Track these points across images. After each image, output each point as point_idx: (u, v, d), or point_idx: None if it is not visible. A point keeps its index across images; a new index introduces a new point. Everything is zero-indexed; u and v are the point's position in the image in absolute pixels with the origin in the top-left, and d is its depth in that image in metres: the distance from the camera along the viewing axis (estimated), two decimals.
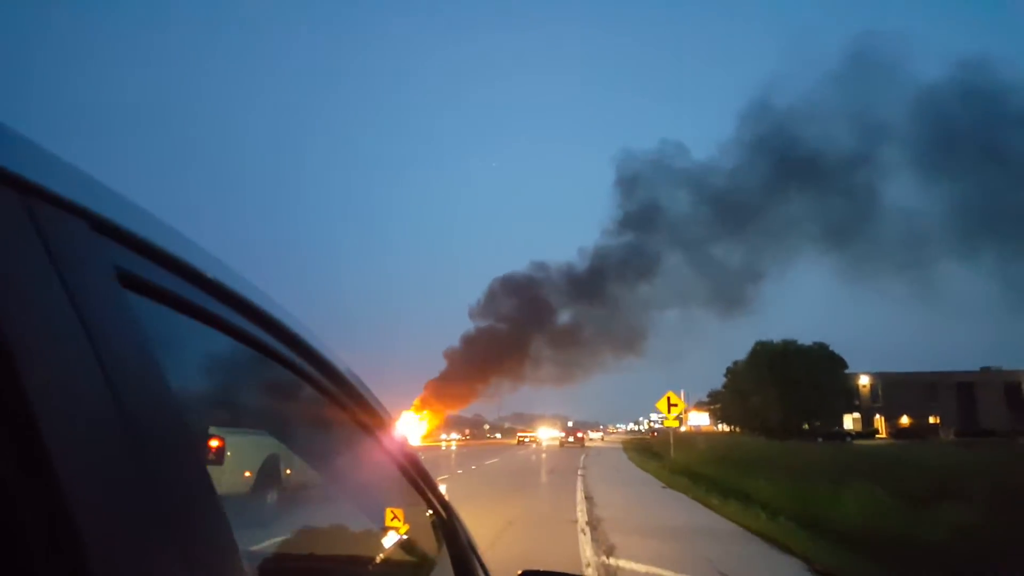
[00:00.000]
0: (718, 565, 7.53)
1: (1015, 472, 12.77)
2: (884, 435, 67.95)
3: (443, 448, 56.78)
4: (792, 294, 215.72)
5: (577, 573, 6.90)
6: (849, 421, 71.02)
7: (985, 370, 73.11)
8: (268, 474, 3.35)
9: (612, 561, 7.61)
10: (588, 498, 14.52)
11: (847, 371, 64.96)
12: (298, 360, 0.98)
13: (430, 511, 1.63)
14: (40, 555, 0.42)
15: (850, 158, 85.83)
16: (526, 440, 76.49)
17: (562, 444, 62.69)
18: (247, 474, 3.05)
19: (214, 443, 1.68)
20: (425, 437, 67.40)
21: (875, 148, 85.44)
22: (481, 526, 8.62)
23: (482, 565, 1.73)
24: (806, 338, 65.57)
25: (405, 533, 1.55)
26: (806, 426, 62.25)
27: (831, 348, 63.08)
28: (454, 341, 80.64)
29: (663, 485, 18.56)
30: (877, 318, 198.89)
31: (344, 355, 1.18)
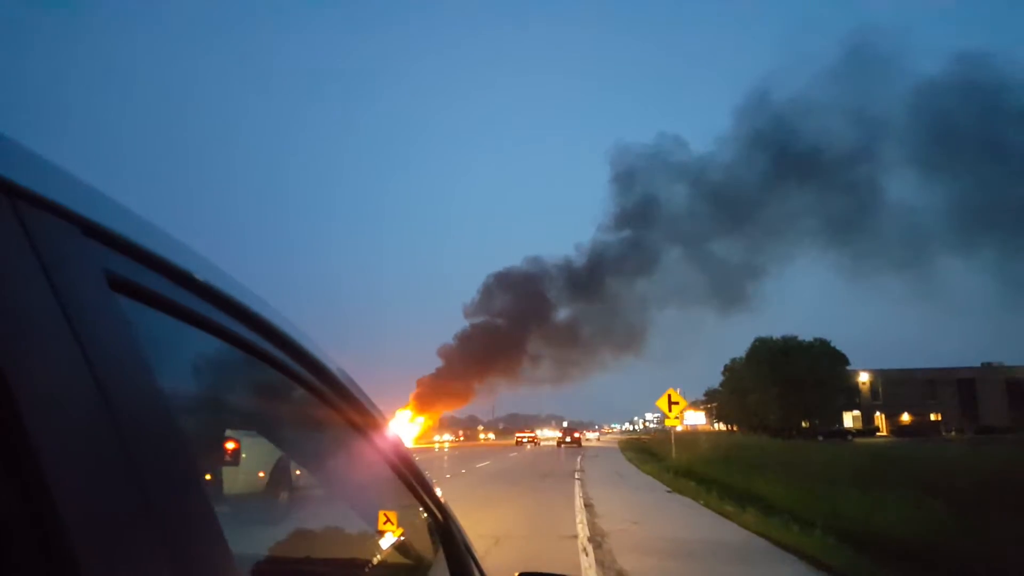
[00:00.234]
0: None
1: None
2: (885, 433, 66.87)
3: (436, 450, 55.46)
4: (789, 292, 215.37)
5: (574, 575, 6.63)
6: (849, 419, 69.85)
7: (986, 366, 72.02)
8: (281, 475, 3.39)
9: None
10: (588, 506, 13.01)
11: (848, 368, 63.69)
12: (290, 362, 0.98)
13: (426, 513, 1.61)
14: (29, 557, 0.43)
15: (849, 153, 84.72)
16: (524, 441, 75.57)
17: (559, 444, 62.26)
18: (260, 474, 2.93)
19: (230, 445, 1.75)
20: (418, 439, 66.20)
21: (874, 143, 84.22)
22: None
23: (479, 568, 1.72)
24: (803, 336, 63.91)
25: (400, 536, 1.56)
26: (805, 424, 60.95)
27: (832, 345, 61.74)
28: (448, 340, 79.40)
29: (668, 489, 17.07)
30: (876, 315, 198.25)
31: (336, 355, 1.17)
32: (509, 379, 79.94)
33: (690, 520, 11.68)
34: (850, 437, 58.00)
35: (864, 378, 69.69)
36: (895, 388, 70.71)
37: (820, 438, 53.47)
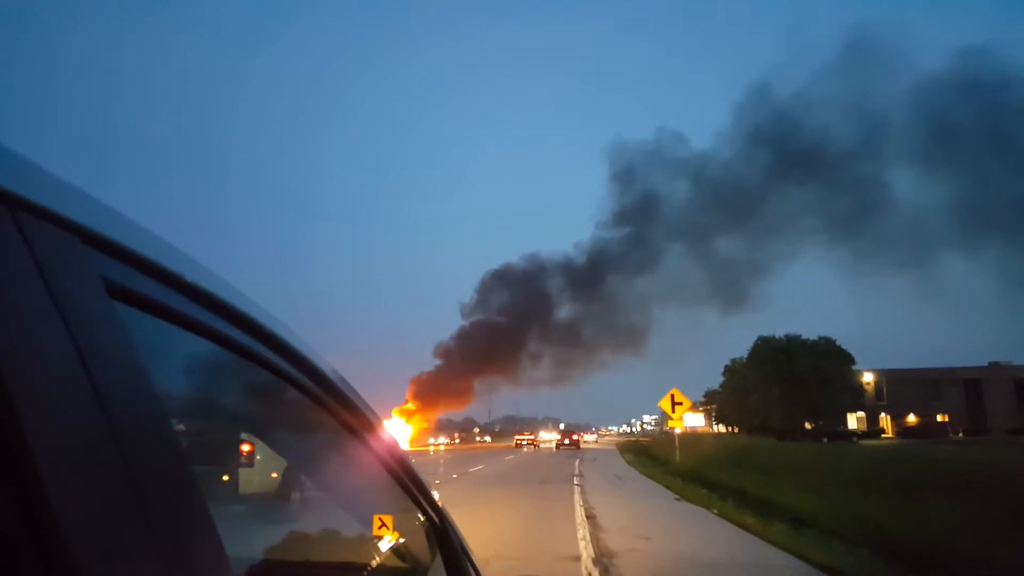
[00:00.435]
0: None
1: None
2: (890, 434, 65.38)
3: (430, 453, 53.99)
4: (790, 292, 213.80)
5: None
6: (852, 420, 68.28)
7: (993, 365, 70.41)
8: (293, 476, 3.26)
9: None
10: (590, 517, 11.45)
11: (853, 368, 62.03)
12: (288, 367, 0.98)
13: (423, 517, 1.60)
14: (27, 560, 0.43)
15: (850, 149, 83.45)
16: (524, 443, 74.62)
17: (558, 446, 61.92)
18: (273, 475, 2.85)
19: (245, 447, 1.97)
20: (412, 441, 64.71)
21: (877, 139, 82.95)
22: None
23: (477, 573, 1.73)
24: (805, 336, 62.23)
25: (396, 540, 1.55)
26: (809, 425, 59.35)
27: (837, 343, 60.05)
28: (445, 340, 78.00)
29: (676, 497, 15.50)
30: (880, 314, 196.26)
31: (332, 358, 1.17)
32: (506, 378, 78.81)
33: (709, 535, 10.12)
34: (855, 439, 56.47)
35: (868, 378, 68.07)
36: (900, 388, 69.11)
37: (824, 440, 51.91)
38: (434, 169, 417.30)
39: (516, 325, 74.57)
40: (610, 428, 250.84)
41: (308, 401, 1.07)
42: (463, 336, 74.18)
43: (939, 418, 67.09)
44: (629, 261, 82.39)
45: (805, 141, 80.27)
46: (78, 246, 0.58)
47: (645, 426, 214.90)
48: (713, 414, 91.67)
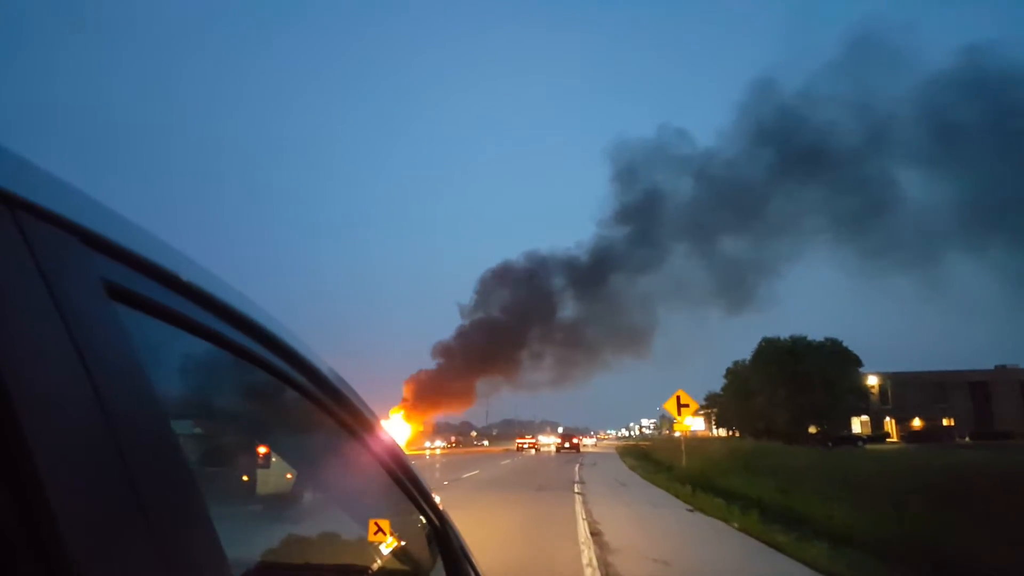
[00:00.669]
0: None
1: None
2: (895, 439, 63.96)
3: (426, 457, 52.56)
4: (791, 294, 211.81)
5: None
6: (856, 424, 66.79)
7: (1000, 368, 69.00)
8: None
9: None
10: (595, 534, 10.01)
11: (860, 370, 60.42)
12: (288, 369, 0.99)
13: (423, 519, 1.58)
14: (27, 561, 0.44)
15: (855, 148, 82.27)
16: (525, 446, 73.99)
17: (558, 449, 61.69)
18: (288, 476, 2.72)
19: (262, 449, 1.96)
20: (408, 444, 63.23)
21: (882, 137, 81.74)
22: None
23: (478, 575, 1.71)
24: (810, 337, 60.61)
25: (393, 545, 1.53)
26: (813, 429, 57.80)
27: (844, 344, 58.36)
28: (443, 340, 76.68)
29: (688, 507, 14.04)
30: (884, 316, 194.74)
31: (329, 358, 1.16)
32: (505, 378, 77.73)
33: (737, 557, 8.67)
34: (860, 443, 55.06)
35: (872, 381, 66.56)
36: (905, 391, 67.61)
37: (829, 444, 50.45)
38: (434, 169, 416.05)
39: (515, 323, 73.47)
40: (608, 432, 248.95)
41: (309, 403, 1.07)
42: (462, 335, 73.11)
43: (944, 422, 65.69)
44: (630, 260, 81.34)
45: (808, 139, 79.19)
46: (78, 247, 0.59)
47: (644, 430, 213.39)
48: (714, 417, 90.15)
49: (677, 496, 16.48)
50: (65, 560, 0.44)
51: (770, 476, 17.63)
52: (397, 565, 1.59)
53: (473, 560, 1.71)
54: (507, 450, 74.15)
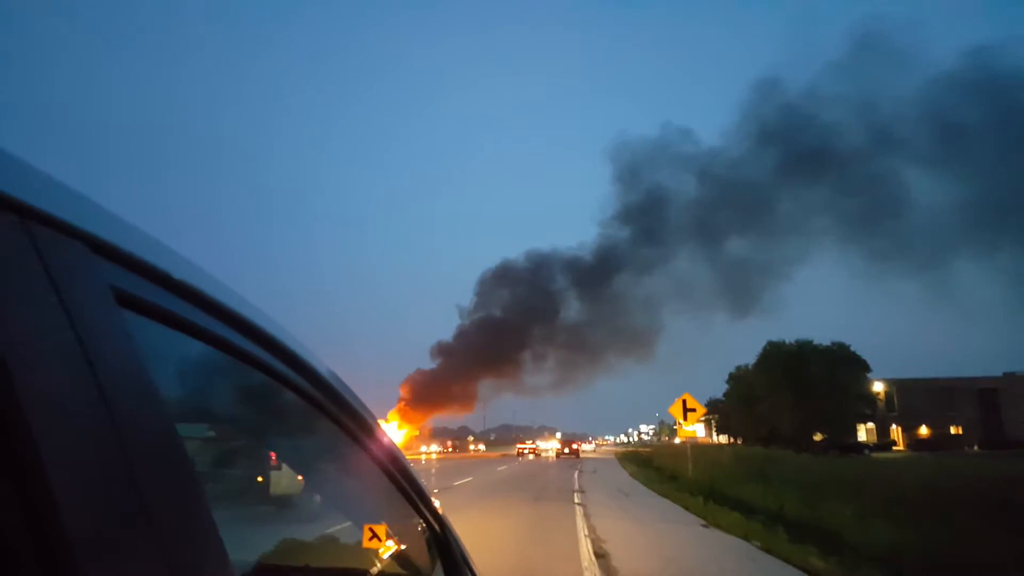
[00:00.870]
0: None
1: None
2: (901, 447, 62.47)
3: (422, 462, 51.09)
4: (795, 299, 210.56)
5: None
6: (862, 431, 65.18)
7: (1008, 375, 67.43)
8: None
9: None
10: (600, 555, 8.54)
11: (868, 375, 58.77)
12: (295, 376, 1.00)
13: (423, 524, 1.58)
14: (30, 561, 0.45)
15: (861, 149, 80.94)
16: (526, 452, 72.89)
17: (558, 455, 61.55)
18: (299, 478, 2.64)
19: (273, 454, 1.93)
20: (403, 448, 61.75)
21: (888, 139, 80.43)
22: None
23: None
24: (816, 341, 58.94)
25: (389, 551, 1.53)
26: (818, 436, 56.19)
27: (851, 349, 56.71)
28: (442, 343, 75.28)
29: (703, 523, 12.53)
30: (889, 321, 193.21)
31: (329, 360, 1.18)
32: (504, 379, 76.45)
33: None
34: (867, 451, 53.57)
35: (878, 388, 64.94)
36: (911, 398, 66.12)
37: (834, 452, 48.91)
38: (433, 168, 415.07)
39: (516, 324, 72.25)
40: (607, 438, 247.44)
41: (315, 409, 1.08)
42: (462, 335, 71.84)
43: (952, 430, 64.19)
44: (631, 262, 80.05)
45: (813, 138, 77.94)
46: (87, 254, 0.60)
47: (642, 436, 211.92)
48: (714, 424, 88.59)
49: (687, 508, 14.99)
50: (69, 560, 0.45)
51: (787, 486, 16.18)
52: (397, 569, 1.57)
53: (474, 567, 1.70)
54: (504, 455, 72.80)
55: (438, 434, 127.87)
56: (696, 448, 31.32)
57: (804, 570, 7.81)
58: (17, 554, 0.44)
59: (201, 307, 0.77)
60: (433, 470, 34.54)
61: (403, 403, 64.92)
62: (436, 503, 1.58)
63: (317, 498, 2.22)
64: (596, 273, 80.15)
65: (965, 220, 75.65)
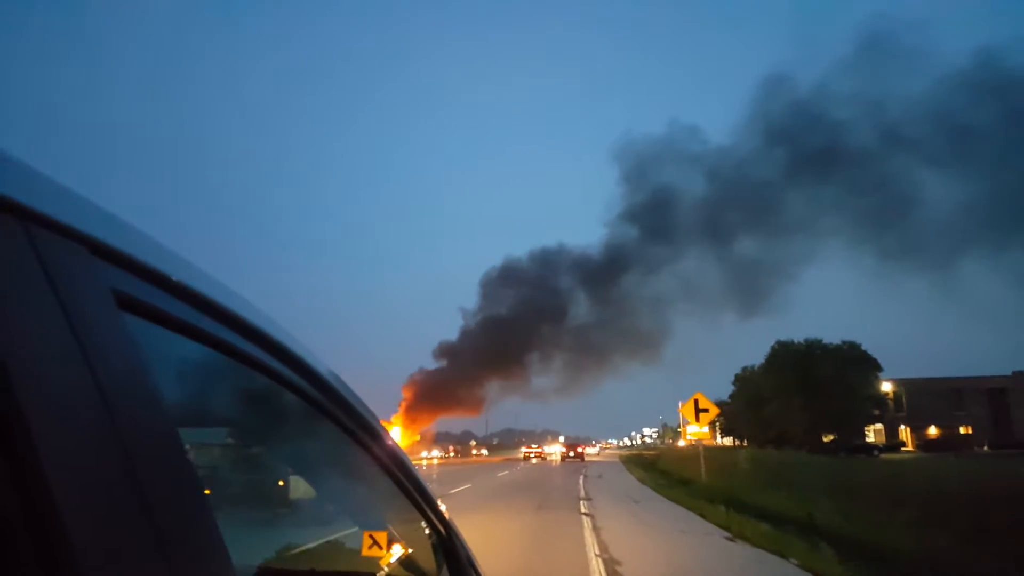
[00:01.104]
0: None
1: None
2: (910, 447, 61.03)
3: (422, 467, 49.77)
4: (802, 299, 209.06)
5: None
6: (871, 432, 63.76)
7: (1018, 374, 65.99)
8: None
9: None
10: None
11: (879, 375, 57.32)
12: (298, 379, 0.99)
13: (428, 528, 1.56)
14: (30, 563, 0.45)
15: (870, 148, 79.81)
16: (532, 456, 71.72)
17: (563, 459, 61.12)
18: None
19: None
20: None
21: (897, 138, 79.26)
22: None
23: None
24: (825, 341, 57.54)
25: (397, 555, 1.54)
26: (827, 437, 54.79)
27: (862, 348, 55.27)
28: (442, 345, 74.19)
29: (727, 535, 11.19)
30: (897, 321, 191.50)
31: (333, 364, 1.17)
32: (509, 382, 75.46)
33: None
34: (876, 452, 52.20)
35: (886, 388, 63.58)
36: (920, 398, 64.66)
37: (842, 454, 47.55)
38: (436, 170, 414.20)
39: (521, 324, 71.21)
40: (611, 441, 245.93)
41: (317, 412, 1.07)
42: (466, 335, 70.80)
43: (962, 430, 62.77)
44: (637, 261, 78.94)
45: (822, 137, 76.84)
46: (88, 257, 0.59)
47: (646, 439, 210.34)
48: (719, 426, 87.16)
49: (704, 517, 13.67)
50: (69, 562, 0.45)
51: (813, 492, 14.85)
52: (402, 573, 1.57)
53: (481, 572, 1.68)
54: (507, 459, 71.57)
55: (441, 439, 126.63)
56: (706, 451, 30.10)
57: None
58: (18, 556, 0.44)
59: (202, 309, 0.77)
60: (434, 475, 33.18)
61: (407, 403, 63.74)
62: (442, 507, 1.55)
63: (313, 502, 2.14)
64: (602, 273, 79.10)
65: (975, 219, 74.43)
